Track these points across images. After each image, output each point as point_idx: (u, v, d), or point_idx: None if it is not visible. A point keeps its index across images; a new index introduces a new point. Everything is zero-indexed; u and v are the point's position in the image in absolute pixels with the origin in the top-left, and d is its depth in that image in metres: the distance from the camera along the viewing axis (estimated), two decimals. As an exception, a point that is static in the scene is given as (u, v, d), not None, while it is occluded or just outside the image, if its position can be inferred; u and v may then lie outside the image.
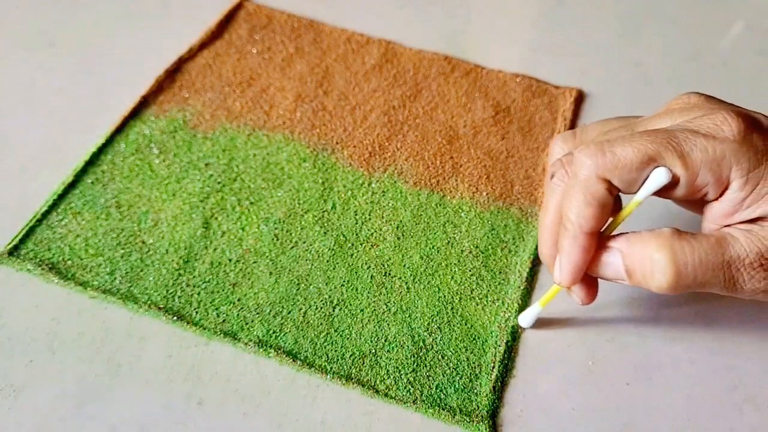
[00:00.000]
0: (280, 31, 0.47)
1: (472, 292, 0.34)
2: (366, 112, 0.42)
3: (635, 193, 0.27)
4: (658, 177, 0.26)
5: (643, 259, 0.27)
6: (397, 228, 0.37)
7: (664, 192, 0.27)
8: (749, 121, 0.26)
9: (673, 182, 0.26)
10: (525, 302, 0.34)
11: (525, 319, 0.33)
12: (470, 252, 0.36)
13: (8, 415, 0.29)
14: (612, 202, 0.28)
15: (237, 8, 0.48)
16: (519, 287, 0.35)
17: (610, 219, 0.29)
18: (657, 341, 0.33)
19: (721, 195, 0.27)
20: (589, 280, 0.30)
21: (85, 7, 0.48)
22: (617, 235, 0.28)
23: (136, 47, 0.45)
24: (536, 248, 0.36)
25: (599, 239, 0.28)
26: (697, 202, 0.28)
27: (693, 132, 0.26)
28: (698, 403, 0.31)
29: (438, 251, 0.36)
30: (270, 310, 0.33)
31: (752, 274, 0.26)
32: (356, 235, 0.36)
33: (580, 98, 0.44)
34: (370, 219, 0.37)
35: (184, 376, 0.31)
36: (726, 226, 0.27)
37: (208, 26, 0.46)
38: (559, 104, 0.43)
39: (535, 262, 0.36)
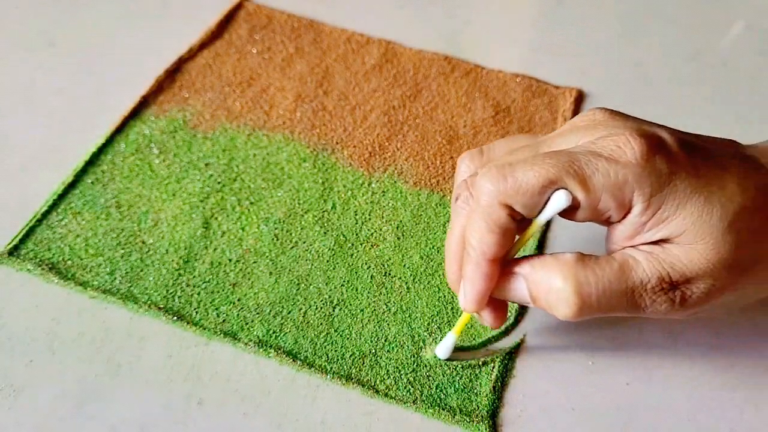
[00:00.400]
0: (280, 31, 0.47)
1: (472, 292, 0.34)
2: (366, 112, 0.42)
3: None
4: (558, 200, 0.26)
5: (547, 288, 0.26)
6: (397, 228, 0.37)
7: (566, 214, 0.27)
8: (653, 142, 0.26)
9: (575, 205, 0.26)
10: (525, 302, 0.34)
11: (442, 350, 0.32)
12: (470, 252, 0.36)
13: (8, 415, 0.29)
14: (514, 228, 0.27)
15: (237, 8, 0.48)
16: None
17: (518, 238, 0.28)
18: (657, 341, 0.33)
19: (623, 218, 0.26)
20: (497, 303, 0.29)
21: (85, 7, 0.48)
22: (521, 258, 0.28)
23: (136, 47, 0.45)
24: (536, 248, 0.36)
25: (504, 262, 0.28)
26: (602, 221, 0.28)
27: (595, 155, 0.25)
28: (698, 403, 0.31)
29: (438, 251, 0.36)
30: (270, 310, 0.33)
31: (654, 298, 0.26)
32: (356, 235, 0.36)
33: (580, 98, 0.44)
34: (370, 219, 0.37)
35: (184, 376, 0.31)
36: (629, 246, 0.27)
37: (208, 26, 0.46)
38: (559, 104, 0.43)
39: (535, 262, 0.36)
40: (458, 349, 0.32)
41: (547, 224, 0.36)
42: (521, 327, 0.33)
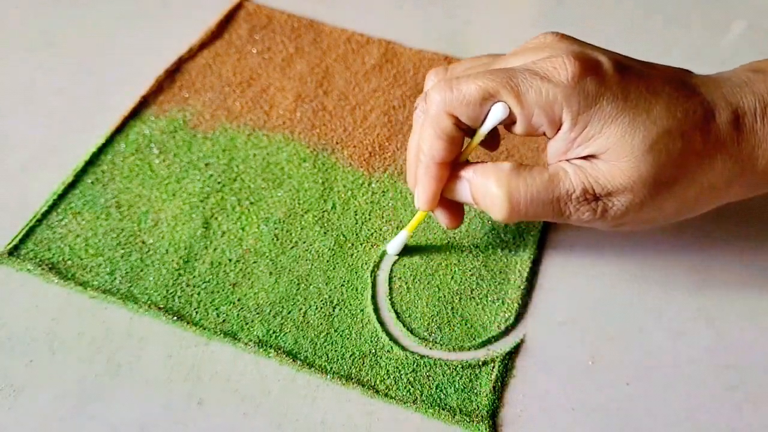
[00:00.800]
0: (280, 31, 0.47)
1: (472, 292, 0.34)
2: (366, 112, 0.42)
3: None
4: (496, 112, 0.28)
5: (484, 191, 0.30)
6: (397, 228, 0.37)
7: (507, 128, 0.30)
8: (586, 65, 0.28)
9: (512, 120, 0.29)
10: (525, 302, 0.34)
11: (393, 246, 0.35)
12: (470, 252, 0.36)
13: (8, 415, 0.29)
14: (461, 136, 0.30)
15: (237, 8, 0.48)
16: (519, 287, 0.35)
17: (467, 143, 0.31)
18: (657, 341, 0.33)
19: (555, 134, 0.29)
20: (451, 206, 0.33)
21: (85, 7, 0.48)
22: (468, 164, 0.31)
23: (136, 47, 0.45)
24: (536, 248, 0.36)
25: (454, 166, 0.31)
26: (539, 135, 0.30)
27: (532, 73, 0.28)
28: (698, 403, 0.31)
29: (438, 251, 0.36)
30: (270, 310, 0.33)
31: (577, 207, 0.29)
32: (356, 235, 0.36)
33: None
34: (370, 219, 0.37)
35: (184, 376, 0.31)
36: (564, 160, 0.29)
37: (208, 26, 0.46)
38: (559, 104, 0.43)
39: (536, 262, 0.36)
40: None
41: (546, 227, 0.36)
42: (521, 327, 0.33)
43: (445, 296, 0.34)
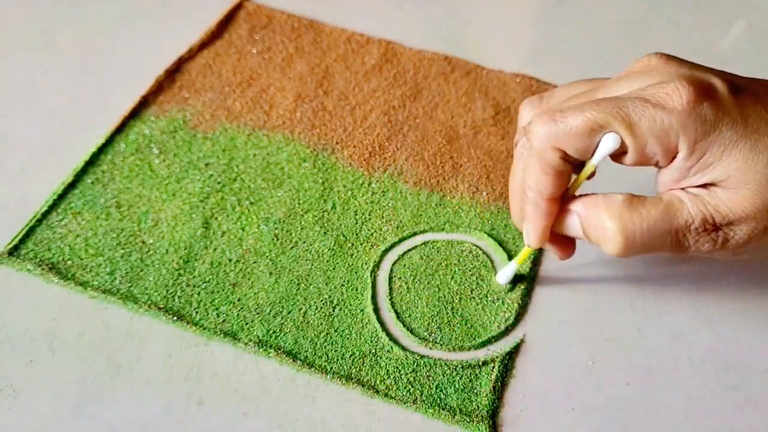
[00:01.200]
0: (280, 31, 0.47)
1: (472, 292, 0.34)
2: (366, 112, 0.42)
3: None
4: (607, 143, 0.27)
5: (596, 225, 0.28)
6: (397, 228, 0.37)
7: (616, 158, 0.28)
8: (701, 89, 0.26)
9: (623, 150, 0.27)
10: (525, 302, 0.34)
11: (503, 276, 0.34)
12: (470, 252, 0.36)
13: (8, 415, 0.29)
14: (569, 169, 0.29)
15: (237, 8, 0.48)
16: (519, 287, 0.35)
17: (574, 177, 0.30)
18: (657, 341, 0.33)
19: (670, 162, 0.27)
20: (562, 238, 0.31)
21: (85, 7, 0.48)
22: (577, 197, 0.30)
23: (136, 47, 0.45)
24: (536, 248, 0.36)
25: (563, 200, 0.30)
26: (651, 165, 0.29)
27: (644, 101, 0.27)
28: (698, 403, 0.31)
29: (438, 251, 0.36)
30: (270, 310, 0.33)
31: (697, 238, 0.27)
32: (356, 235, 0.36)
33: (580, 98, 0.44)
34: (370, 219, 0.37)
35: (184, 376, 0.31)
36: (677, 189, 0.28)
37: (208, 26, 0.46)
38: (559, 104, 0.43)
39: (536, 262, 0.36)
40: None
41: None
42: (521, 327, 0.33)
43: (445, 296, 0.34)
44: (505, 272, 0.34)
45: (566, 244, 0.32)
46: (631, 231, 0.27)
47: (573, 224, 0.30)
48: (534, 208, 0.30)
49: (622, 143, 0.27)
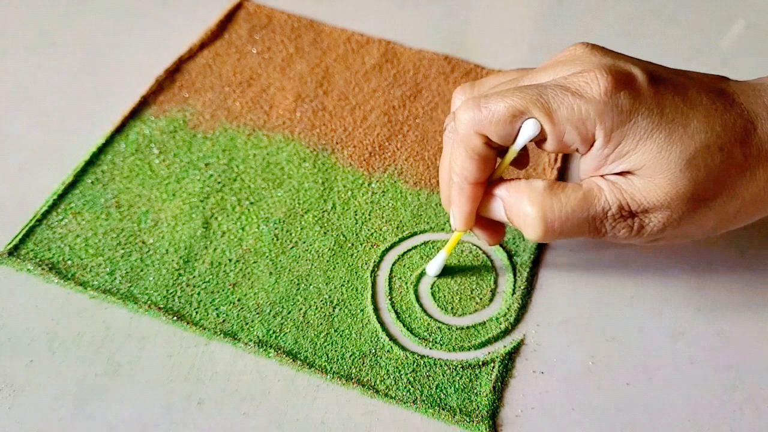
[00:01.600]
0: (280, 31, 0.47)
1: (471, 292, 0.34)
2: (366, 112, 0.42)
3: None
4: (527, 129, 0.28)
5: (518, 210, 0.29)
6: (397, 228, 0.37)
7: (538, 144, 0.29)
8: (619, 78, 0.27)
9: (543, 137, 0.28)
10: (525, 302, 0.34)
11: (432, 267, 0.34)
12: (470, 252, 0.36)
13: (8, 415, 0.29)
14: (492, 155, 0.29)
15: (237, 8, 0.48)
16: (519, 287, 0.35)
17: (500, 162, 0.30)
18: (657, 341, 0.33)
19: (588, 150, 0.28)
20: (489, 223, 0.32)
21: (85, 7, 0.48)
22: (502, 181, 0.30)
23: (136, 47, 0.45)
24: (536, 248, 0.36)
25: (488, 184, 0.30)
26: (571, 152, 0.29)
27: (563, 89, 0.27)
28: (698, 403, 0.31)
29: (438, 251, 0.36)
30: (270, 310, 0.33)
31: (613, 224, 0.28)
32: (356, 235, 0.36)
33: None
34: (370, 219, 0.37)
35: (184, 376, 0.31)
36: (597, 176, 0.29)
37: (208, 26, 0.46)
38: (559, 104, 0.43)
39: (535, 262, 0.36)
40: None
41: None
42: (521, 327, 0.33)
43: (444, 296, 0.34)
44: (434, 262, 0.34)
45: (494, 228, 0.32)
46: (550, 218, 0.28)
47: (497, 208, 0.30)
48: (460, 192, 0.30)
49: (542, 130, 0.27)
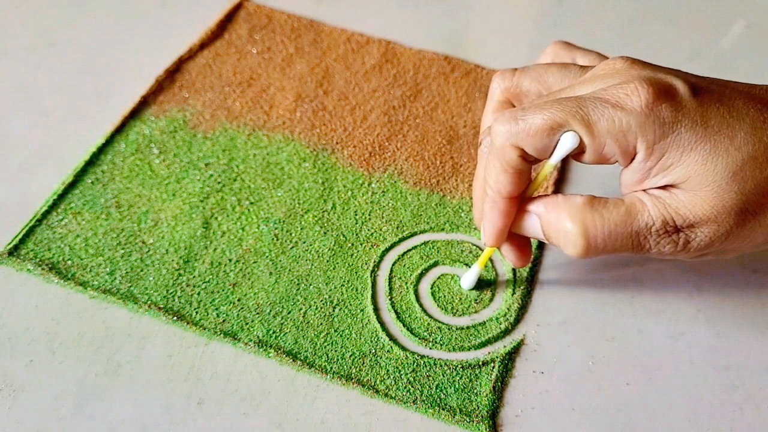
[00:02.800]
0: (280, 31, 0.47)
1: (471, 292, 0.34)
2: (366, 112, 0.42)
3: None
4: (565, 142, 0.27)
5: (557, 227, 0.28)
6: (397, 228, 0.37)
7: (575, 157, 0.28)
8: (660, 90, 0.26)
9: (582, 149, 0.27)
10: (525, 302, 0.34)
11: (466, 281, 0.34)
12: (470, 252, 0.36)
13: (8, 415, 0.29)
14: (528, 169, 0.29)
15: (237, 8, 0.48)
16: (519, 287, 0.35)
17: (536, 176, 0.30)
18: (657, 341, 0.33)
19: (629, 163, 0.27)
20: (519, 243, 0.31)
21: (85, 7, 0.48)
22: (538, 197, 0.29)
23: (136, 47, 0.45)
24: (536, 248, 0.36)
25: (522, 201, 0.30)
26: (611, 164, 0.29)
27: (603, 101, 0.27)
28: (698, 403, 0.31)
29: (438, 251, 0.36)
30: (270, 310, 0.33)
31: (658, 240, 0.27)
32: (356, 235, 0.36)
33: (580, 98, 0.44)
34: (370, 219, 0.37)
35: (184, 376, 0.31)
36: (640, 190, 0.28)
37: (208, 26, 0.47)
38: (559, 104, 0.43)
39: (535, 262, 0.36)
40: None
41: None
42: (521, 327, 0.33)
43: (444, 296, 0.34)
44: (468, 276, 0.34)
45: (523, 248, 0.32)
46: (592, 234, 0.27)
47: (532, 225, 0.30)
48: (492, 206, 0.30)
49: (581, 142, 0.27)
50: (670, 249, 0.27)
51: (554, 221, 0.28)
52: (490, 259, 0.36)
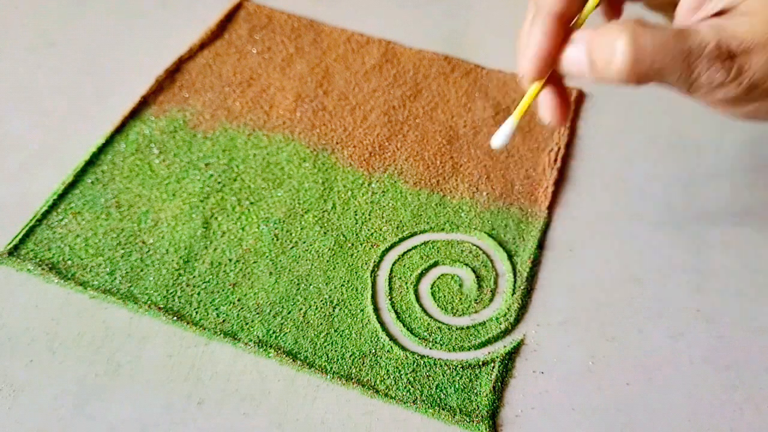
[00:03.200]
0: (280, 31, 0.47)
1: (471, 292, 0.34)
2: (366, 112, 0.42)
3: None
4: None
5: (605, 45, 0.26)
6: (397, 228, 0.37)
7: None
8: None
9: None
10: (525, 302, 0.34)
11: (499, 138, 0.30)
12: (470, 252, 0.36)
13: (8, 415, 0.29)
14: None
15: (237, 8, 0.48)
16: (519, 287, 0.35)
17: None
18: (657, 341, 0.33)
19: None
20: (559, 91, 0.30)
21: (85, 7, 0.48)
22: (584, 31, 0.28)
23: (136, 47, 0.45)
24: (536, 248, 0.36)
25: (567, 33, 0.28)
26: (667, 6, 0.28)
27: None
28: (698, 403, 0.31)
29: (438, 251, 0.36)
30: (270, 310, 0.33)
31: (709, 65, 0.25)
32: (356, 235, 0.36)
33: (580, 98, 0.44)
34: (370, 219, 0.37)
35: (184, 376, 0.31)
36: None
37: (208, 26, 0.46)
38: (559, 104, 0.43)
39: (535, 262, 0.36)
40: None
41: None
42: (521, 327, 0.33)
43: (444, 296, 0.34)
44: (501, 133, 0.30)
45: (562, 100, 0.30)
46: (642, 45, 0.25)
47: (576, 55, 0.27)
48: (536, 25, 0.28)
49: None
50: (720, 77, 0.26)
51: (602, 41, 0.26)
52: (490, 259, 0.36)
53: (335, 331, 0.33)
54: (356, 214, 0.37)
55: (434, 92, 0.44)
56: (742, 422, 0.31)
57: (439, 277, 0.35)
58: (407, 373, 0.31)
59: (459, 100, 0.43)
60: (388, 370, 0.31)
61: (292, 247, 0.36)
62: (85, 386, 0.30)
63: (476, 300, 0.34)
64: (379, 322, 0.33)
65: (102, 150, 0.39)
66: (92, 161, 0.38)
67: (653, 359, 0.32)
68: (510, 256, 0.36)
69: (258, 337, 0.32)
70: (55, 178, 0.37)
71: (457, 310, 0.34)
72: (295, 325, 0.33)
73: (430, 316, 0.33)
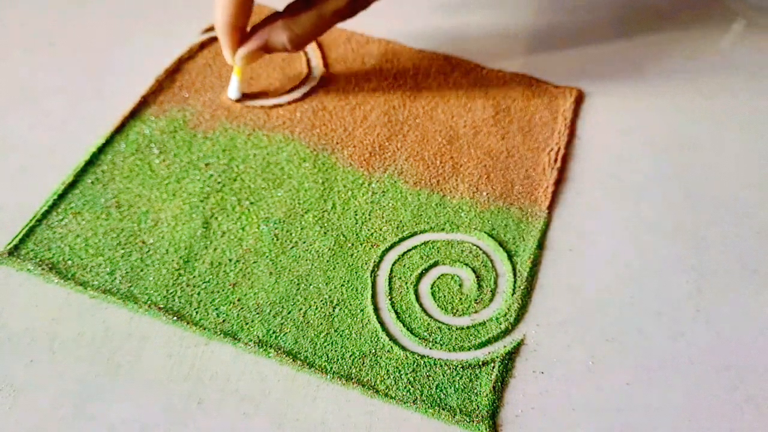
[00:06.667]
0: (280, 31, 0.47)
1: (471, 292, 0.34)
2: (366, 112, 0.42)
3: None
4: None
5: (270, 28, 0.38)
6: (397, 228, 0.37)
7: None
8: None
9: None
10: (525, 302, 0.34)
11: (233, 91, 0.42)
12: (470, 252, 0.36)
13: (8, 415, 0.29)
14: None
15: (237, 8, 0.48)
16: (519, 287, 0.35)
17: None
18: (657, 341, 0.33)
19: None
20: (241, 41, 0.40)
21: (85, 7, 0.48)
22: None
23: (136, 47, 0.45)
24: (536, 248, 0.36)
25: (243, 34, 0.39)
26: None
27: None
28: (698, 403, 0.31)
29: (438, 251, 0.36)
30: (270, 310, 0.33)
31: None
32: (356, 235, 0.36)
33: (580, 98, 0.44)
34: (370, 219, 0.37)
35: (184, 376, 0.31)
36: None
37: (209, 26, 0.46)
38: (559, 104, 0.43)
39: (535, 262, 0.36)
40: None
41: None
42: (521, 327, 0.33)
43: (444, 296, 0.34)
44: (232, 87, 0.42)
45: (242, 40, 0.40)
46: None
47: (255, 40, 0.39)
48: (224, 37, 0.39)
49: None
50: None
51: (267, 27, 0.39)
52: (490, 259, 0.35)
53: (335, 331, 0.33)
54: (356, 214, 0.37)
55: (434, 92, 0.44)
56: (742, 422, 0.31)
57: (439, 277, 0.35)
58: (407, 373, 0.31)
59: (459, 100, 0.43)
60: (388, 370, 0.31)
61: (292, 247, 0.36)
62: (85, 386, 0.30)
63: (476, 300, 0.34)
64: (379, 322, 0.33)
65: (102, 150, 0.39)
66: (92, 161, 0.38)
67: (653, 359, 0.32)
68: (510, 256, 0.36)
69: (258, 337, 0.32)
70: (55, 178, 0.37)
71: (457, 310, 0.34)
72: (295, 325, 0.33)
73: (430, 316, 0.33)
